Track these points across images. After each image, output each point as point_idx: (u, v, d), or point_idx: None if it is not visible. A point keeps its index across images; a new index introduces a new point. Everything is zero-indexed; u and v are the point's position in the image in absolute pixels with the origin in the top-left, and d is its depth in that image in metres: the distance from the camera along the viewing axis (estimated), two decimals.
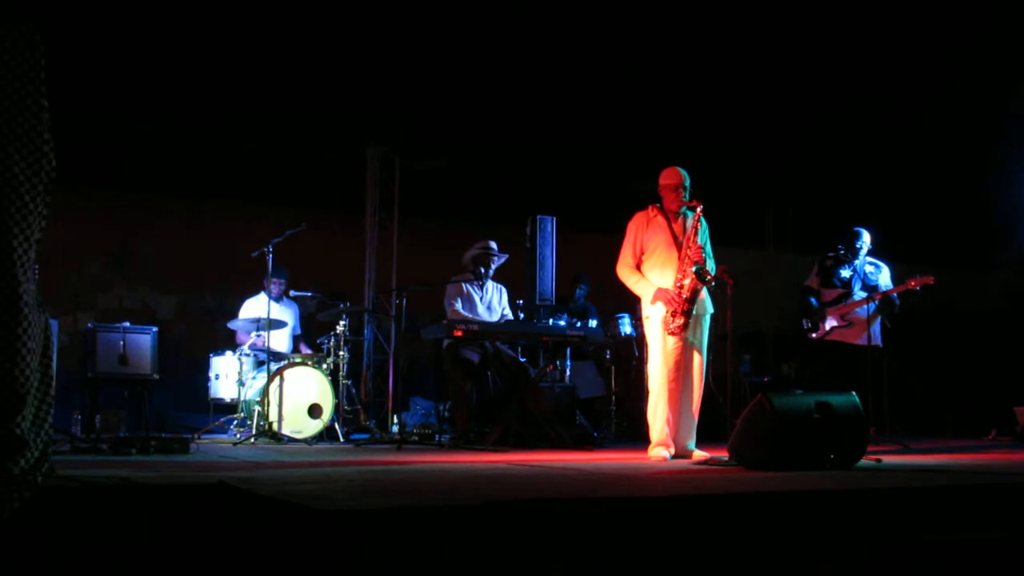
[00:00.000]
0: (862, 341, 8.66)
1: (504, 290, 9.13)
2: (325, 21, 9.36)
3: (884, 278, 8.80)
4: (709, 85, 10.74)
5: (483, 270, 8.87)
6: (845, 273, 8.85)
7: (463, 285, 8.87)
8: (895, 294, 8.56)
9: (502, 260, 9.02)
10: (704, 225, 6.87)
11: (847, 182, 12.41)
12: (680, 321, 6.58)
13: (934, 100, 10.87)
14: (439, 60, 9.96)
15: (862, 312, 8.66)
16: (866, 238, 8.90)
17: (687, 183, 6.82)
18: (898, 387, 10.33)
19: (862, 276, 8.81)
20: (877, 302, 8.56)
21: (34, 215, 3.30)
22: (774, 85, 10.81)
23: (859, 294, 8.73)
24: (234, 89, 10.03)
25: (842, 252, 8.92)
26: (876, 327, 8.74)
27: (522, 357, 8.94)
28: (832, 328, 8.76)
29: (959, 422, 10.65)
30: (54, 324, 3.91)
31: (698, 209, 6.75)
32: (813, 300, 8.93)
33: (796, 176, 12.72)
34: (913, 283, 8.46)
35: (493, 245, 8.97)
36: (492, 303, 8.97)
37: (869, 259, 8.90)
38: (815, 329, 8.90)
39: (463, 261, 8.97)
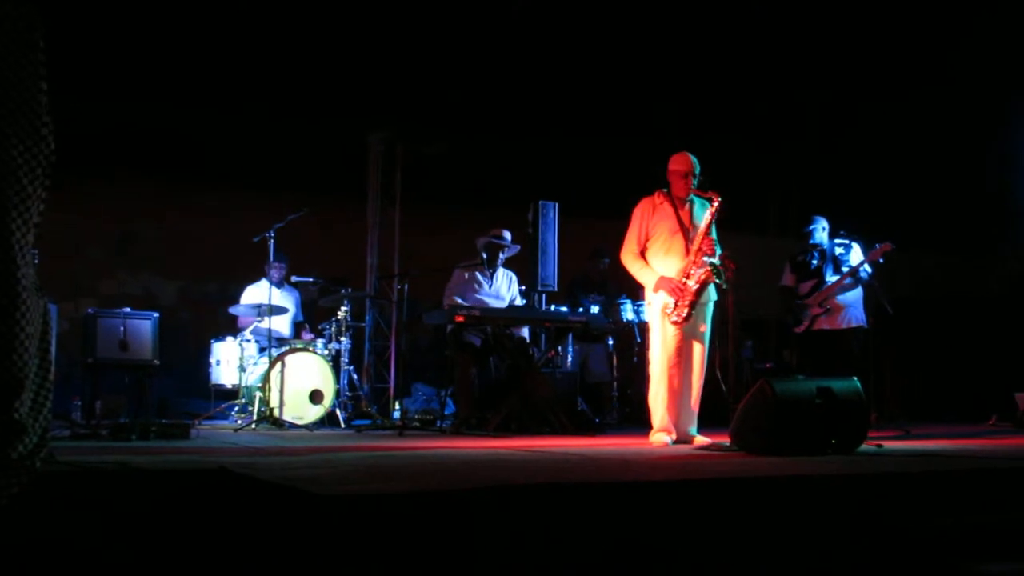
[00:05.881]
0: (845, 324, 8.69)
1: (515, 277, 9.12)
2: (327, 6, 9.34)
3: (855, 256, 8.80)
4: (713, 68, 10.70)
5: (487, 256, 8.86)
6: (815, 262, 8.87)
7: (474, 272, 8.87)
8: (863, 269, 8.57)
9: (513, 251, 9.01)
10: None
11: (851, 167, 12.38)
12: (684, 312, 6.55)
13: (940, 83, 10.83)
14: (442, 45, 9.93)
15: (840, 296, 8.68)
16: (821, 224, 8.94)
17: (697, 170, 6.75)
18: (896, 371, 10.33)
19: (831, 259, 8.82)
20: (849, 280, 8.61)
21: (33, 199, 3.28)
22: (779, 68, 10.77)
23: (831, 278, 8.75)
24: (236, 74, 10.00)
25: (809, 244, 8.95)
26: (859, 310, 8.76)
27: (533, 348, 8.93)
28: (814, 318, 8.77)
29: (960, 408, 10.64)
30: (53, 309, 3.90)
31: (715, 203, 6.66)
32: (800, 301, 8.95)
33: (799, 161, 12.69)
34: (874, 254, 8.49)
35: (507, 235, 8.96)
36: (501, 291, 8.96)
37: (837, 240, 8.90)
38: (798, 323, 8.92)
39: (477, 245, 8.96)
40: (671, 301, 6.60)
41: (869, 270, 8.60)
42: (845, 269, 8.71)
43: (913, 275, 9.34)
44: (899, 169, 12.40)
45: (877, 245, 8.48)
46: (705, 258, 6.54)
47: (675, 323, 6.58)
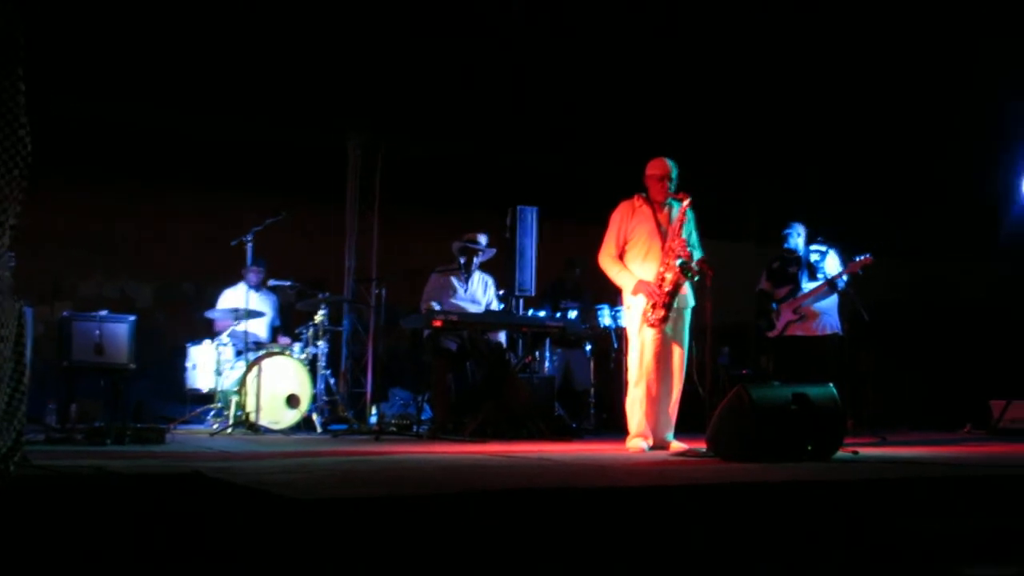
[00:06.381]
0: (820, 331, 8.73)
1: (491, 281, 9.12)
2: (309, 8, 9.32)
3: (831, 263, 8.83)
4: (693, 72, 10.72)
5: (463, 260, 8.86)
6: (791, 269, 8.91)
7: (449, 277, 8.87)
8: (840, 279, 8.61)
9: (488, 255, 9.01)
10: (691, 215, 6.86)
11: (831, 174, 12.42)
12: (660, 314, 6.57)
13: (930, 86, 10.89)
14: (422, 48, 9.92)
15: (814, 303, 8.72)
16: (797, 230, 8.97)
17: (674, 174, 6.80)
18: (872, 377, 10.36)
19: (806, 266, 8.86)
20: (825, 289, 8.65)
21: (9, 200, 3.26)
22: (760, 71, 10.78)
23: (807, 286, 8.79)
24: (216, 74, 9.95)
25: (784, 249, 8.99)
26: (834, 317, 8.80)
27: (510, 353, 8.94)
28: (787, 323, 8.81)
29: (936, 415, 10.69)
30: (28, 312, 3.88)
31: (685, 201, 6.72)
32: (774, 305, 8.99)
33: (780, 167, 12.72)
34: (853, 267, 8.53)
35: (482, 240, 8.95)
36: (477, 295, 8.95)
37: (813, 247, 8.92)
38: (771, 327, 8.95)
39: (452, 249, 8.96)
40: (649, 303, 6.63)
41: (846, 278, 8.64)
42: (820, 276, 8.75)
43: (889, 282, 9.38)
44: (877, 175, 12.45)
45: (857, 257, 8.51)
46: (678, 260, 6.56)
47: (652, 325, 6.60)
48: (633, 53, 10.32)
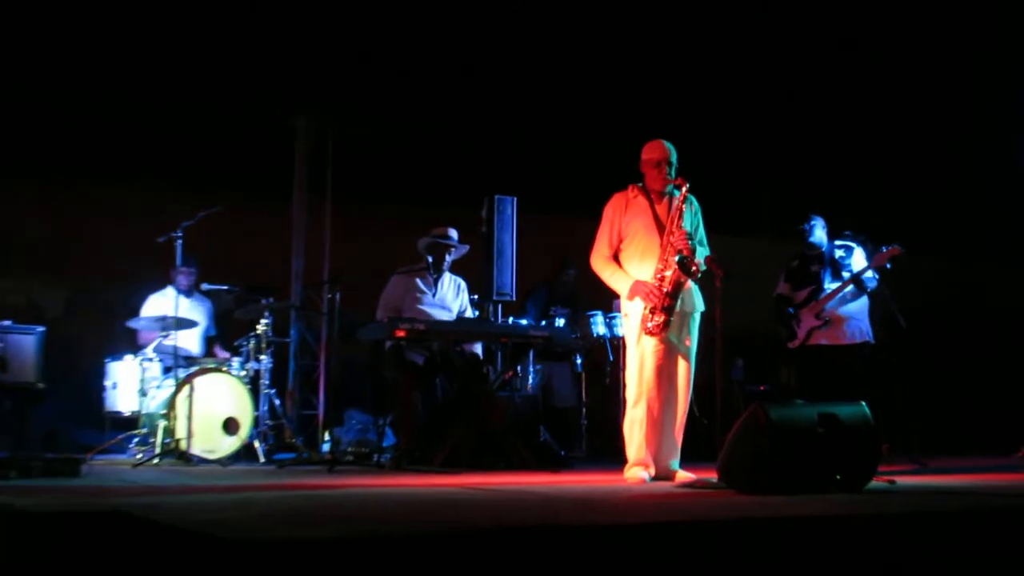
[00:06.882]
0: (848, 339, 8.70)
1: (464, 284, 9.12)
2: None
3: (857, 260, 8.82)
4: (696, 48, 10.74)
5: (432, 259, 8.85)
6: (814, 267, 8.89)
7: (414, 279, 8.85)
8: (868, 275, 8.60)
9: (461, 252, 9.01)
10: (695, 206, 6.86)
11: (854, 163, 12.47)
12: (660, 319, 6.56)
13: (945, 76, 10.99)
14: (382, 13, 9.90)
15: (840, 307, 8.70)
16: (820, 223, 8.97)
17: (673, 158, 6.80)
18: (910, 393, 10.39)
19: (830, 263, 8.84)
20: (851, 287, 8.64)
21: None
22: (773, 53, 10.82)
23: (830, 286, 8.76)
24: (138, 48, 9.90)
25: (805, 245, 8.97)
26: (864, 322, 8.78)
27: (487, 367, 8.94)
28: (810, 331, 8.78)
29: (984, 437, 10.73)
30: None
31: (683, 188, 6.73)
32: (791, 310, 8.97)
33: (796, 156, 12.75)
34: (880, 258, 8.51)
35: (453, 234, 8.96)
36: (447, 300, 8.95)
37: (838, 242, 8.92)
38: (792, 336, 8.91)
39: (418, 248, 8.95)
40: (647, 307, 6.62)
41: (875, 276, 8.63)
42: (846, 275, 8.74)
43: (930, 283, 9.39)
44: (913, 166, 12.49)
45: (884, 248, 8.50)
46: (676, 255, 6.56)
47: (650, 332, 6.59)
48: (631, 26, 10.31)
